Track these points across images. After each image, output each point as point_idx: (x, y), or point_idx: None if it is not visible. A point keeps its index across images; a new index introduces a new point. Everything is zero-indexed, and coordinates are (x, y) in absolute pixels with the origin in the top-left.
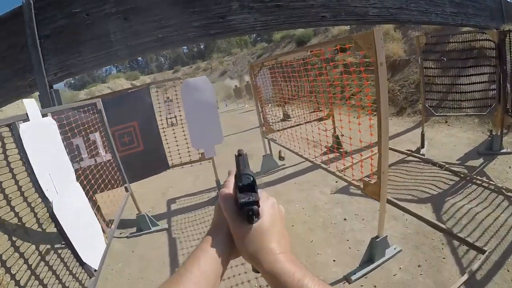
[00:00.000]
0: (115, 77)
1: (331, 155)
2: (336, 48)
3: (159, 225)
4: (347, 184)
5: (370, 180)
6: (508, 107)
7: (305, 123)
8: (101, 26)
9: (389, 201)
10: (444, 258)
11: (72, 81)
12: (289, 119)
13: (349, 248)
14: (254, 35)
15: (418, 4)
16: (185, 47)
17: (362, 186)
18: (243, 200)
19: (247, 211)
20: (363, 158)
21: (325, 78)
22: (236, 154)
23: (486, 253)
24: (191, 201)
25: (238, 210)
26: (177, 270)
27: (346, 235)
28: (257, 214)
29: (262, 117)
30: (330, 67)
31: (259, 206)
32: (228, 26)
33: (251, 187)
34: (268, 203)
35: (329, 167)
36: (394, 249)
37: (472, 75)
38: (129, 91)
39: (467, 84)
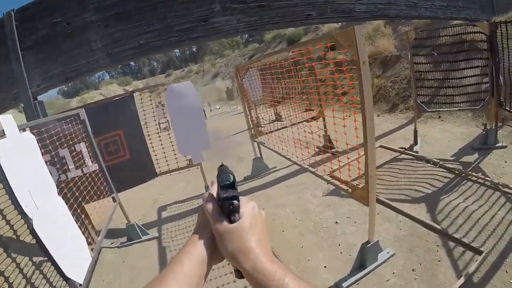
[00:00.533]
0: (108, 83)
1: (322, 157)
2: (319, 47)
3: (149, 234)
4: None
5: (358, 184)
6: (502, 100)
7: (291, 125)
8: (82, 34)
9: (381, 202)
10: (439, 260)
11: (66, 88)
12: (281, 120)
13: (341, 253)
14: (246, 36)
15: None
16: (177, 50)
17: (350, 190)
18: (224, 195)
19: (228, 205)
20: (350, 161)
21: (308, 79)
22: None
23: (483, 254)
24: (182, 208)
25: (220, 209)
26: (161, 271)
27: (337, 239)
28: (237, 208)
29: (250, 120)
30: (319, 66)
31: (239, 201)
32: (210, 29)
33: (232, 185)
34: (248, 205)
35: (316, 170)
36: (387, 253)
37: (464, 68)
38: (114, 99)
39: (459, 78)
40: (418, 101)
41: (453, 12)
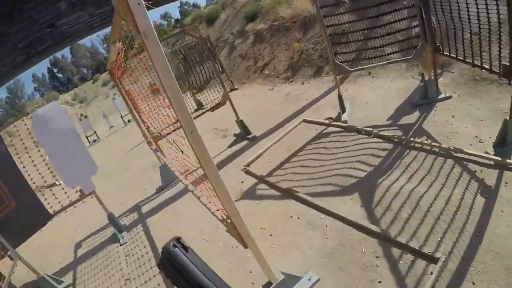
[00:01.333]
0: (35, 103)
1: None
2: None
3: (64, 281)
4: (254, 183)
5: (228, 218)
6: (438, 44)
7: (171, 132)
8: None
9: (301, 200)
10: (380, 281)
11: None
12: (203, 108)
13: (253, 284)
14: (173, 21)
15: None
16: (104, 51)
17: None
18: None
19: None
20: (207, 187)
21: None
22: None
23: (440, 261)
24: (95, 241)
25: None
26: None
27: (248, 263)
28: None
29: (144, 128)
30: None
31: None
32: (59, 34)
33: None
34: None
35: (194, 189)
36: (309, 280)
37: (388, 13)
38: None
39: (383, 25)
40: (337, 61)
41: None
